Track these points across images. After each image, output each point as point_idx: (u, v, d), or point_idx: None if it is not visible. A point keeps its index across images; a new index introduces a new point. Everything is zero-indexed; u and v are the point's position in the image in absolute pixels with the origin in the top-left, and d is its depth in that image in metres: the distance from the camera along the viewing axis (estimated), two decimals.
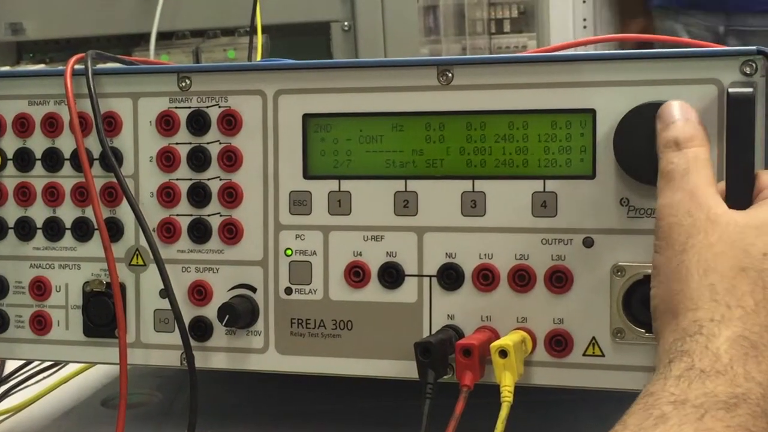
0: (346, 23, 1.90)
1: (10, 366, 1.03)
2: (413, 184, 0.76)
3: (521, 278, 0.74)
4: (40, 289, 0.83)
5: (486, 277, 0.74)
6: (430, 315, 0.76)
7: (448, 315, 0.75)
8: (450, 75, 0.75)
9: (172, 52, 2.02)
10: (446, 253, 0.75)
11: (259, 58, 1.52)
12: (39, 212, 0.83)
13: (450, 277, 0.75)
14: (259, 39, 1.53)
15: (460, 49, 2.23)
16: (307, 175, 0.78)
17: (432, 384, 0.70)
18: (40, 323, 0.83)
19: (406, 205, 0.76)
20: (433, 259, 0.76)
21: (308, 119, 0.78)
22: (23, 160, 0.83)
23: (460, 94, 0.75)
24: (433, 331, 0.75)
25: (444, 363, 0.72)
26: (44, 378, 1.03)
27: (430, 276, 0.76)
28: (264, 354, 0.79)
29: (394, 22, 1.94)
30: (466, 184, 0.75)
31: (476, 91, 0.75)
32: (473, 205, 0.75)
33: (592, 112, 0.73)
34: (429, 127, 0.76)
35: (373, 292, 0.77)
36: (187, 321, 0.79)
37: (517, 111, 0.74)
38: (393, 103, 0.76)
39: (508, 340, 0.70)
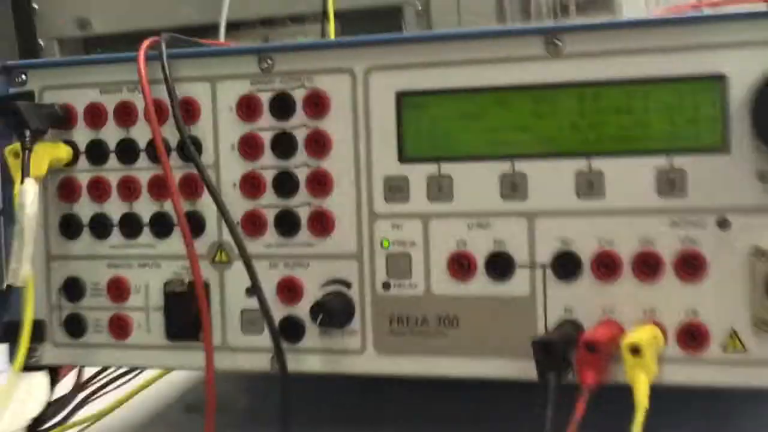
0: (419, 4, 1.83)
1: (87, 372, 0.97)
2: (521, 165, 0.69)
3: (647, 265, 0.66)
4: (118, 290, 0.77)
5: (607, 265, 0.67)
6: (545, 309, 0.69)
7: (566, 308, 0.68)
8: (559, 44, 0.68)
9: (241, 42, 1.97)
10: (561, 240, 0.68)
11: None
12: (115, 208, 0.77)
13: (566, 266, 0.68)
14: (332, 24, 1.47)
15: None
16: (403, 159, 0.71)
17: (555, 386, 0.63)
18: (120, 327, 0.77)
19: (514, 187, 0.69)
20: (546, 246, 0.69)
21: (402, 97, 0.71)
22: (96, 152, 0.78)
23: (570, 64, 0.68)
24: (549, 327, 0.68)
25: (565, 362, 0.65)
26: (123, 383, 0.98)
27: (544, 265, 0.69)
28: (362, 355, 0.73)
29: (469, 3, 1.86)
30: (580, 163, 0.68)
31: (589, 59, 0.68)
32: (589, 185, 0.68)
33: (722, 79, 0.65)
34: (537, 101, 0.69)
35: (480, 284, 0.70)
36: (276, 321, 0.73)
37: (636, 80, 0.67)
38: (496, 76, 0.69)
39: (640, 336, 0.62)
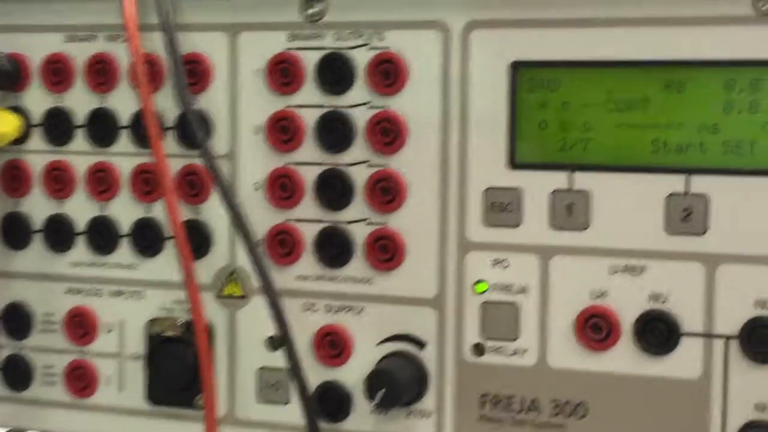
0: None
1: None
2: (701, 182, 0.48)
3: None
4: (81, 326, 0.59)
5: None
6: (725, 401, 0.48)
7: (757, 404, 0.47)
8: None
9: None
10: (756, 301, 0.47)
11: None
12: (81, 208, 0.59)
13: (764, 340, 0.47)
14: None
15: None
16: (516, 163, 0.50)
17: None
18: (81, 379, 0.60)
19: (686, 216, 0.48)
20: (733, 309, 0.48)
21: (520, 70, 0.50)
22: (57, 126, 0.59)
23: None
24: (729, 429, 0.47)
25: None
26: None
27: (727, 337, 0.48)
28: None
29: None
30: None
31: None
32: None
33: None
34: (731, 87, 0.47)
35: (625, 358, 0.49)
36: (312, 388, 0.54)
37: None
38: (668, 45, 0.48)
39: None
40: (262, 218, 0.54)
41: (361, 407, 0.53)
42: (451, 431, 0.52)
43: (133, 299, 0.57)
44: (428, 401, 0.52)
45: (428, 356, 0.52)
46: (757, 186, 0.46)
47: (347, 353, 0.53)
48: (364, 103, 0.52)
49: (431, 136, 0.51)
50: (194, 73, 0.55)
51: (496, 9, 0.49)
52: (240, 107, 0.54)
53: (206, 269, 0.55)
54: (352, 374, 0.53)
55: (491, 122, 0.50)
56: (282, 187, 0.53)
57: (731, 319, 0.47)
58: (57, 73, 0.58)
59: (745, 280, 0.47)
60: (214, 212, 0.55)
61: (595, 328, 0.49)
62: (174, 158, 0.55)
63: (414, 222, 0.51)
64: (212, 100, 0.54)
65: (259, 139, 0.54)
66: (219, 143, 0.55)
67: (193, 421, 0.55)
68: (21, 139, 0.59)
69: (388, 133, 0.52)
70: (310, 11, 0.52)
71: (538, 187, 0.50)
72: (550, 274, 0.50)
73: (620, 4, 0.48)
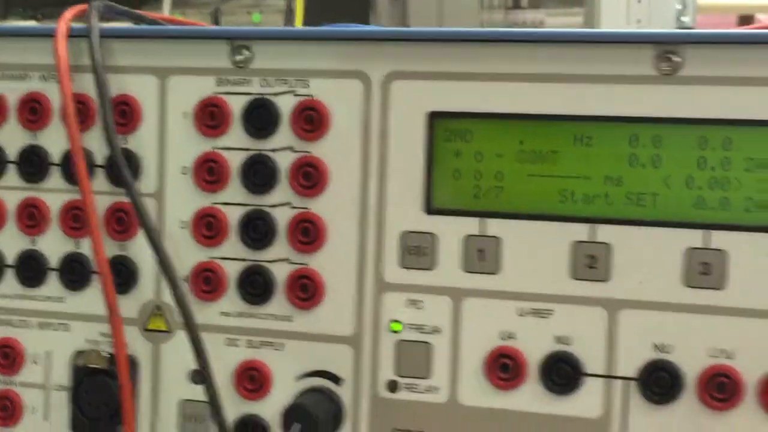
0: None
1: None
2: (605, 232, 0.49)
3: None
4: (7, 357, 0.58)
5: (721, 387, 0.48)
6: None
7: None
8: (677, 60, 0.48)
9: (187, 12, 1.74)
10: (655, 345, 0.49)
11: (299, 23, 1.23)
12: (9, 242, 0.58)
13: (661, 382, 0.49)
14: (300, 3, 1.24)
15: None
16: (431, 209, 0.51)
17: None
18: (6, 409, 0.58)
19: (591, 263, 0.49)
20: (632, 351, 0.49)
21: (437, 120, 0.51)
22: None
23: (690, 92, 0.48)
24: None
25: None
26: None
27: (627, 378, 0.49)
28: None
29: None
30: (693, 236, 0.48)
31: (718, 87, 0.48)
32: (705, 270, 0.48)
33: None
34: (635, 142, 0.49)
35: (531, 397, 0.51)
36: (231, 421, 0.54)
37: None
38: (577, 101, 0.49)
39: None
40: (188, 256, 0.54)
41: None
42: None
43: (60, 331, 0.56)
44: None
45: (344, 392, 0.52)
46: (658, 236, 0.48)
47: (266, 388, 0.53)
48: (288, 148, 0.53)
49: (351, 181, 0.52)
50: (124, 114, 0.54)
51: (415, 61, 0.50)
52: (168, 148, 0.54)
53: (132, 303, 0.55)
54: (271, 408, 0.53)
55: (409, 169, 0.51)
56: (207, 226, 0.53)
57: (631, 361, 0.49)
58: None
59: (645, 324, 0.48)
60: (141, 249, 0.54)
61: (504, 367, 0.50)
62: (103, 195, 0.54)
63: (333, 262, 0.52)
64: (141, 141, 0.54)
65: (186, 180, 0.54)
66: (147, 182, 0.54)
67: None
68: None
69: (309, 177, 0.52)
70: (238, 57, 0.53)
71: (452, 232, 0.51)
72: (462, 316, 0.51)
73: (533, 61, 0.49)
